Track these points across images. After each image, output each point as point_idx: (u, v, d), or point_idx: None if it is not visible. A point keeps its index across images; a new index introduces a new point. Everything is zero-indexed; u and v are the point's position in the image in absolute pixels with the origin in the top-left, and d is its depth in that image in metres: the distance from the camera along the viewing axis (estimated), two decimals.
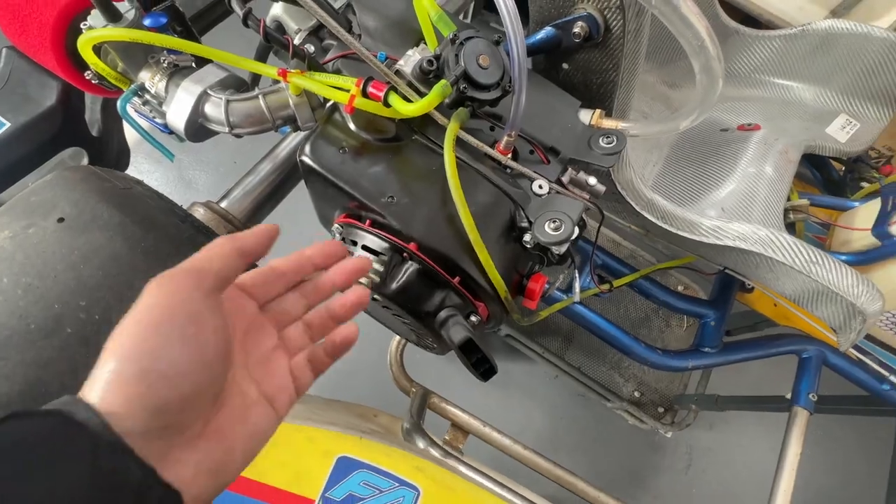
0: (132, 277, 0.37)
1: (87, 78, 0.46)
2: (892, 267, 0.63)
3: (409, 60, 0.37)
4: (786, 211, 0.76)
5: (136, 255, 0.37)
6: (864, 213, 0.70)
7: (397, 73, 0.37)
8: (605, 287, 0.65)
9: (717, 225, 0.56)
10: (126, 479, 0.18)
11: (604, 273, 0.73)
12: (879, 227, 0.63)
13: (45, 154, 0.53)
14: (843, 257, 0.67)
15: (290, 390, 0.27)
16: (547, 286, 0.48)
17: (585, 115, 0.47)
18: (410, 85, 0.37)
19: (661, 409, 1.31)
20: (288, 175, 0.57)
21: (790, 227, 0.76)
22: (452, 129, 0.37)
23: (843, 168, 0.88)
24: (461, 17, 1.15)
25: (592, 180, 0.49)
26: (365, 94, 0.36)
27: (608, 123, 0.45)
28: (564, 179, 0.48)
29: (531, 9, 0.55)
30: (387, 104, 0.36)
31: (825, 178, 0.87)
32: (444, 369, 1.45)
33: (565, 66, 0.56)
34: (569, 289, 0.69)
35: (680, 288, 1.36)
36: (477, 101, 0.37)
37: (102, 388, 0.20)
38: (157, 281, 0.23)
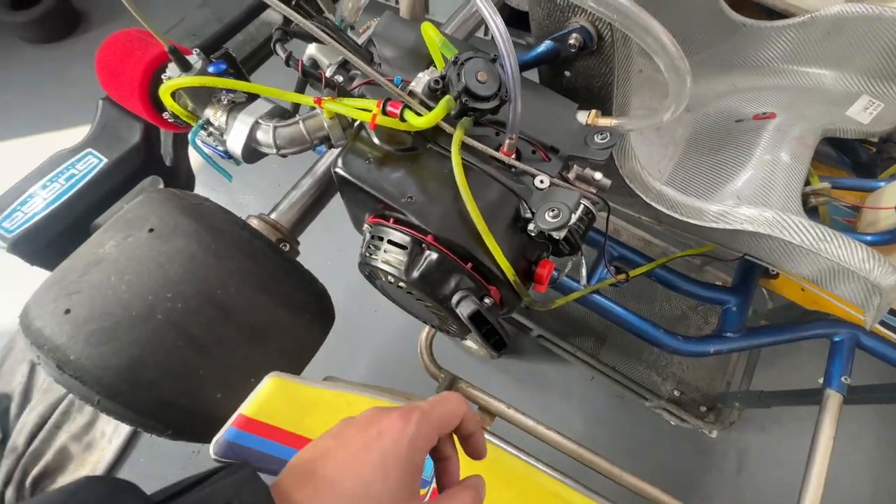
0: (206, 273, 0.46)
1: (165, 118, 0.57)
2: None
3: (420, 81, 0.44)
4: (807, 195, 0.76)
5: (208, 256, 0.46)
6: (891, 192, 0.69)
7: (410, 93, 0.44)
8: (622, 277, 0.68)
9: (723, 210, 0.59)
10: None
11: (625, 266, 0.76)
12: None
13: (132, 182, 0.65)
14: (869, 238, 0.67)
15: None
16: (556, 273, 0.52)
17: (582, 116, 0.52)
18: (422, 102, 0.44)
19: (703, 408, 1.29)
20: (326, 188, 0.66)
21: (813, 212, 0.75)
22: (458, 135, 0.43)
23: (874, 149, 0.86)
24: (481, 34, 1.23)
25: (598, 175, 0.54)
26: (385, 112, 0.44)
27: (603, 122, 0.50)
28: (571, 176, 0.53)
29: (532, 26, 0.61)
30: (402, 119, 0.43)
31: (854, 160, 0.85)
32: (479, 371, 1.49)
33: (567, 73, 0.61)
34: (588, 281, 0.72)
35: (718, 283, 1.34)
36: (478, 110, 0.43)
37: None
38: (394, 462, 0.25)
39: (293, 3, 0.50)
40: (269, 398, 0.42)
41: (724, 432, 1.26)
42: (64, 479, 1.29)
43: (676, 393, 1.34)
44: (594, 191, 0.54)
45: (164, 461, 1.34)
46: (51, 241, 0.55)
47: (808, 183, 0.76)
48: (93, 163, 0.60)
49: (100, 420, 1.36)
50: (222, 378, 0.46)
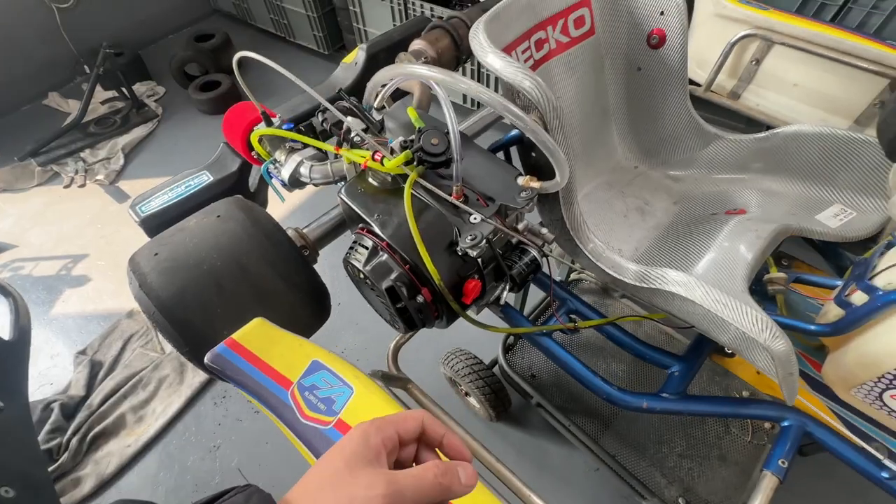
0: (240, 247, 0.68)
1: (253, 155, 0.86)
2: (860, 336, 0.65)
3: (397, 142, 0.66)
4: (765, 283, 0.81)
5: (244, 235, 0.69)
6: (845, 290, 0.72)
7: (391, 150, 0.66)
8: (571, 325, 0.78)
9: (643, 270, 0.69)
10: None
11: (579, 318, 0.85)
12: (839, 295, 0.67)
13: (225, 196, 0.94)
14: (814, 327, 0.70)
15: None
16: (483, 292, 0.66)
17: (522, 179, 0.69)
18: (394, 153, 0.65)
19: None
20: (344, 222, 0.89)
21: (771, 300, 0.80)
22: (412, 176, 0.63)
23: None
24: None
25: (544, 230, 0.70)
26: (373, 158, 0.66)
27: (533, 184, 0.67)
28: (521, 227, 0.70)
29: None
30: (382, 164, 0.65)
31: (835, 265, 0.88)
32: (479, 432, 1.50)
33: (534, 154, 0.80)
34: (544, 322, 0.83)
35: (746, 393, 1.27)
36: (430, 162, 0.63)
37: None
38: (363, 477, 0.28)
39: (335, 101, 0.77)
40: (251, 331, 0.61)
41: None
42: (116, 442, 1.53)
43: (682, 501, 1.24)
44: (541, 243, 0.70)
45: (190, 450, 1.53)
46: (166, 223, 0.82)
47: (766, 271, 0.82)
48: (204, 179, 0.90)
49: (154, 399, 1.62)
50: (231, 319, 0.66)
